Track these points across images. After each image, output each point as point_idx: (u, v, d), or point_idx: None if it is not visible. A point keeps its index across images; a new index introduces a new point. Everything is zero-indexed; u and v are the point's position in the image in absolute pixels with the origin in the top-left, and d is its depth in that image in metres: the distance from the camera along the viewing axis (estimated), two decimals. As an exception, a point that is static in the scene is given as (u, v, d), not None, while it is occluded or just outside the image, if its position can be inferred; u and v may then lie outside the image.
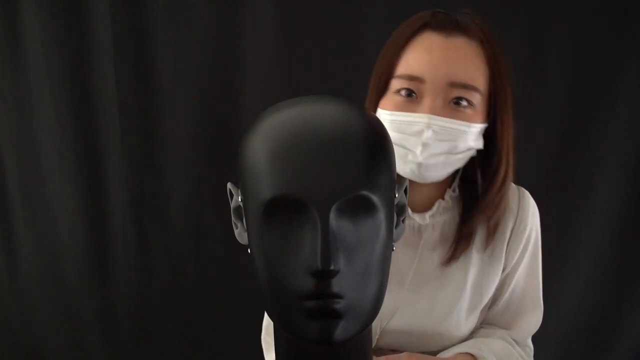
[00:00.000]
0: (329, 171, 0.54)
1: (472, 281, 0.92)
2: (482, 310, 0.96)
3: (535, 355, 1.50)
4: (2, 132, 1.51)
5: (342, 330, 0.56)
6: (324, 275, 0.54)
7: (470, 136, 0.83)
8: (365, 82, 1.39)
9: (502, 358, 0.90)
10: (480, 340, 0.93)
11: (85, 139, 1.47)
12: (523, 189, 0.97)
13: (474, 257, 0.91)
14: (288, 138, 0.55)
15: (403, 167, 0.85)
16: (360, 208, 0.56)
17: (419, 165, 0.83)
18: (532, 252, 0.96)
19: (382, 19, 1.36)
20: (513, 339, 0.96)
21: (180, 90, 1.42)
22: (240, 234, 0.66)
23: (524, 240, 0.93)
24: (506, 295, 0.96)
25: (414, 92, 0.82)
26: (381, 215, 0.57)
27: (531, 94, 1.36)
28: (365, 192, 0.55)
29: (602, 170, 1.38)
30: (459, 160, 0.86)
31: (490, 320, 0.99)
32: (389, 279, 0.91)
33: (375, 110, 0.88)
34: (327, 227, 0.53)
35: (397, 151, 0.81)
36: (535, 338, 1.49)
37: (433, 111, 0.80)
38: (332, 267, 0.53)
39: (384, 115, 0.85)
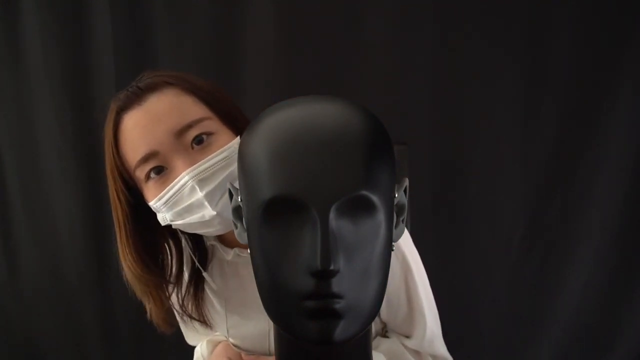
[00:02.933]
0: (329, 171, 0.54)
1: None
2: None
3: (535, 356, 1.50)
4: (2, 132, 1.51)
5: (342, 330, 0.56)
6: (324, 275, 0.53)
7: (235, 154, 0.79)
8: (365, 82, 1.40)
9: None
10: None
11: (85, 139, 1.47)
12: None
13: None
14: (288, 138, 0.55)
15: (208, 230, 0.82)
16: (360, 208, 0.56)
17: (219, 215, 0.78)
18: None
19: (382, 19, 1.37)
20: (412, 348, 0.92)
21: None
22: (240, 234, 0.66)
23: None
24: None
25: (160, 167, 0.80)
26: (381, 215, 0.57)
27: (531, 94, 1.36)
28: (365, 192, 0.55)
29: (602, 171, 1.38)
30: None
31: (389, 326, 0.96)
32: (251, 307, 0.91)
33: (130, 256, 0.90)
34: (327, 227, 0.53)
35: (195, 222, 0.79)
36: (535, 338, 1.50)
37: (186, 166, 0.78)
38: (331, 267, 0.53)
39: (155, 204, 0.81)
